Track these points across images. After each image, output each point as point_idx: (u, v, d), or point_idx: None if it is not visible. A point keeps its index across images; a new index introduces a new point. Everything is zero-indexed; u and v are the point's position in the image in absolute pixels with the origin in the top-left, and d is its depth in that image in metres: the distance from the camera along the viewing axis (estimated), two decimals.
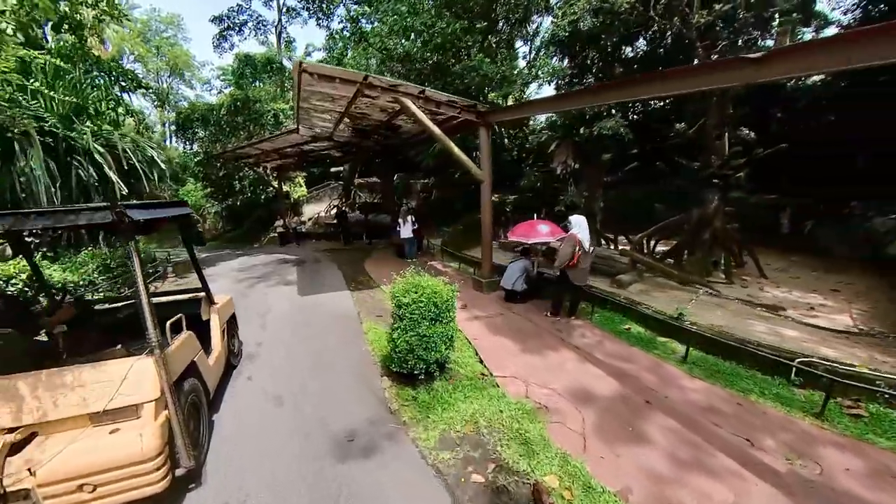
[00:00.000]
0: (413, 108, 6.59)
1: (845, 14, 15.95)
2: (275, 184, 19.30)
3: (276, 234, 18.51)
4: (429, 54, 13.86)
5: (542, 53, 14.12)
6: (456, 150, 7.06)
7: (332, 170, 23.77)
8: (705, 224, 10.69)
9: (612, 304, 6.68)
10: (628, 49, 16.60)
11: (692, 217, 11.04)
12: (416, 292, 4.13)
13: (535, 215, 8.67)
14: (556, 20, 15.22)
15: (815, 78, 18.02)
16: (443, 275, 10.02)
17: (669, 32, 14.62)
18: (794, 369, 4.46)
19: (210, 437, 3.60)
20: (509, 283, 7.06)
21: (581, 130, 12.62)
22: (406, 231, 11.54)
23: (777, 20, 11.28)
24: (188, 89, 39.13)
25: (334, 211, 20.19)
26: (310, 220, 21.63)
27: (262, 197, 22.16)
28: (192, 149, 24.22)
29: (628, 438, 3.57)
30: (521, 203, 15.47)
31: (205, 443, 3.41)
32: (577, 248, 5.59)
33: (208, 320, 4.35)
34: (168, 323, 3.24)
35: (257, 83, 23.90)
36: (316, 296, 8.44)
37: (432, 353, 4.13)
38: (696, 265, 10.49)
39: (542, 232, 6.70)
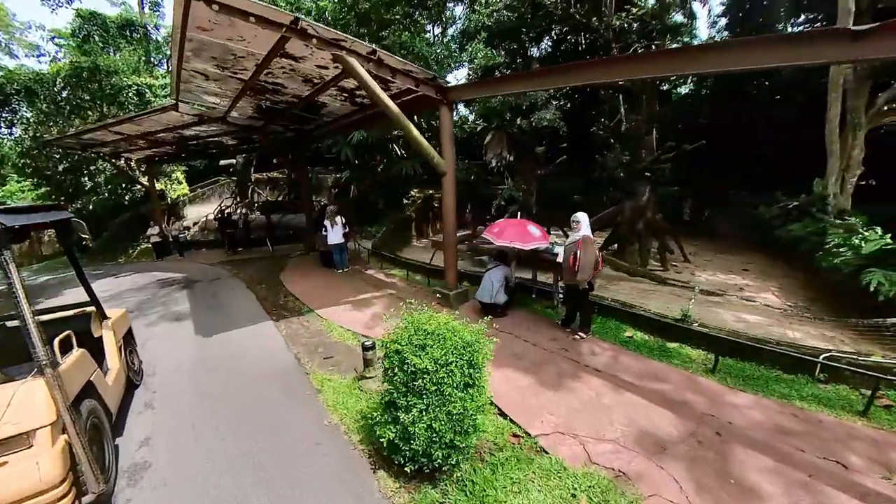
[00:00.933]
0: (363, 73, 4.99)
1: (719, 32, 18.47)
2: (144, 180, 15.24)
3: (150, 245, 14.59)
4: (343, 23, 11.91)
5: (475, 41, 13.24)
6: (416, 133, 5.65)
7: (222, 163, 19.85)
8: (638, 215, 11.01)
9: (600, 307, 6.01)
10: (535, 50, 16.87)
11: (625, 209, 11.31)
12: (438, 346, 2.58)
13: (520, 214, 7.75)
14: (478, 9, 14.62)
15: (682, 90, 20.80)
16: (391, 287, 8.43)
17: (584, 34, 15.10)
18: (818, 366, 4.24)
19: (117, 462, 3.26)
20: (488, 296, 5.87)
21: (518, 121, 12.08)
22: (335, 236, 9.58)
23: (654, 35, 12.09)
24: (6, 57, 29.34)
25: (228, 213, 17.00)
26: (195, 224, 17.83)
27: (127, 197, 17.48)
28: (11, 134, 17.92)
29: (738, 497, 2.72)
30: None
31: (112, 467, 3.10)
32: (599, 251, 4.71)
33: (101, 337, 3.99)
34: (56, 340, 2.93)
35: (111, 52, 18.56)
36: (226, 335, 6.00)
37: (471, 436, 2.65)
38: (637, 255, 10.76)
39: (535, 235, 5.66)
